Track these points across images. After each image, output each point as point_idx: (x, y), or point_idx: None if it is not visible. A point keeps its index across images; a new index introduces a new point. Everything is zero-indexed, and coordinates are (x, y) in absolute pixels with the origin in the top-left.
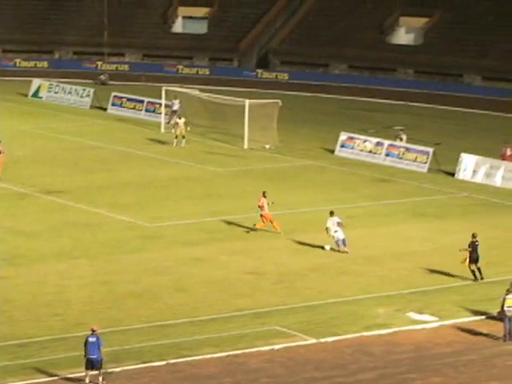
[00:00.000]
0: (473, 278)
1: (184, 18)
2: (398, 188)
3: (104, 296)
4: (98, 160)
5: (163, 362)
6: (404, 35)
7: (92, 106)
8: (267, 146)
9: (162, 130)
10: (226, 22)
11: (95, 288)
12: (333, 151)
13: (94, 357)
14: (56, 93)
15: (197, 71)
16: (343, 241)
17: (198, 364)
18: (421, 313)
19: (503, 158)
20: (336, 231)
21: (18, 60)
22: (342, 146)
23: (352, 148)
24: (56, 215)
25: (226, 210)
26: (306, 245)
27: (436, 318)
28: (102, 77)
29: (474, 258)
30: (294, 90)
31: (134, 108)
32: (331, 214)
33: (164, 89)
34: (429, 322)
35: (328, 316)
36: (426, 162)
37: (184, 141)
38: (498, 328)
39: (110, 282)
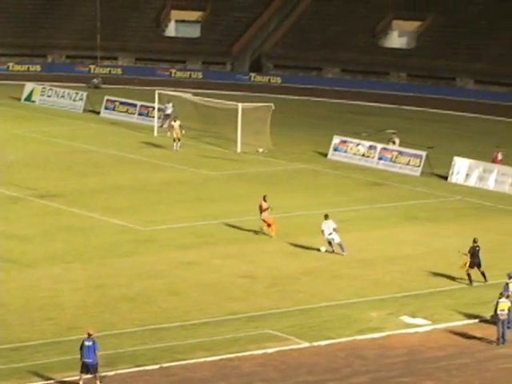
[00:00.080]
0: (468, 281)
1: (177, 21)
2: (391, 191)
3: (97, 300)
4: (91, 164)
5: (157, 366)
6: (397, 39)
7: (85, 110)
8: (260, 150)
9: (155, 134)
10: (218, 26)
11: (88, 292)
12: (326, 155)
13: (90, 361)
14: (49, 96)
15: (190, 75)
16: (340, 245)
17: (191, 368)
18: (414, 316)
19: (494, 162)
20: (330, 234)
21: (10, 64)
22: (335, 150)
23: (345, 151)
24: (49, 219)
25: (219, 214)
26: (299, 248)
27: (429, 322)
28: (95, 80)
29: (475, 263)
30: (287, 93)
31: (126, 112)
32: (326, 217)
33: (157, 92)
34: (422, 325)
35: (321, 320)
36: (419, 166)
37: (179, 144)
38: (491, 331)
39: (103, 285)
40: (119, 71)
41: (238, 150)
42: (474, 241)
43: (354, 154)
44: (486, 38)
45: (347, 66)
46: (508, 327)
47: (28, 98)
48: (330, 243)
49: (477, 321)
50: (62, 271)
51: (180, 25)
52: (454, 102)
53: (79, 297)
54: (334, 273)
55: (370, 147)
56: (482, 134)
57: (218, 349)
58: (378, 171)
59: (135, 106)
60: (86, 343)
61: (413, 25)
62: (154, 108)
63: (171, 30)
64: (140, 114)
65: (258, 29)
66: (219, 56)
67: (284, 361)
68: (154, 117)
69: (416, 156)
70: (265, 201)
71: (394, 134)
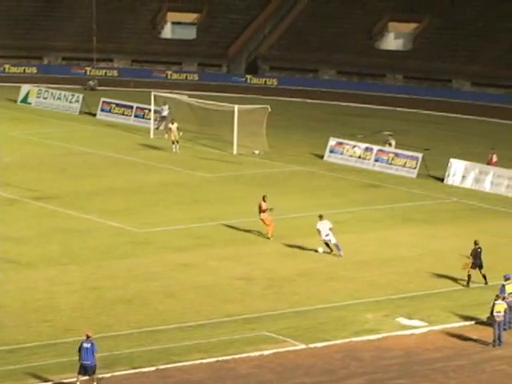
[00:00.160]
0: (466, 282)
1: (173, 23)
2: (387, 193)
3: (93, 302)
4: (88, 166)
5: (153, 368)
6: (393, 41)
7: (81, 112)
8: (256, 152)
9: (151, 136)
10: (214, 28)
11: (85, 294)
12: (322, 157)
13: (88, 362)
14: (45, 98)
15: (186, 77)
16: (337, 246)
17: (187, 370)
18: (410, 318)
19: (489, 164)
20: (327, 235)
21: (6, 66)
22: (331, 152)
23: (341, 153)
24: (45, 221)
25: (216, 216)
26: (295, 250)
27: (425, 324)
28: (91, 82)
29: (476, 265)
30: (283, 95)
31: (123, 114)
32: (320, 217)
33: (153, 94)
34: (418, 327)
35: (317, 321)
36: (415, 168)
37: (178, 146)
38: (487, 333)
39: (99, 287)
40: (115, 73)
41: (234, 151)
42: (475, 243)
43: (350, 155)
44: (482, 39)
45: (343, 68)
46: (504, 329)
47: (24, 100)
48: (327, 244)
49: (473, 323)
50: (59, 273)
51: (176, 27)
52: (450, 103)
53: (75, 299)
54: (330, 274)
55: (366, 149)
56: (479, 136)
57: (215, 351)
58: (374, 173)
59: (131, 107)
60: (85, 345)
61: (409, 27)
62: (150, 110)
63: (167, 32)
64: (136, 116)
65: (254, 31)
66: (215, 58)
67: (280, 363)
68: (150, 119)
69: (412, 158)
70: (264, 201)
71: (390, 135)
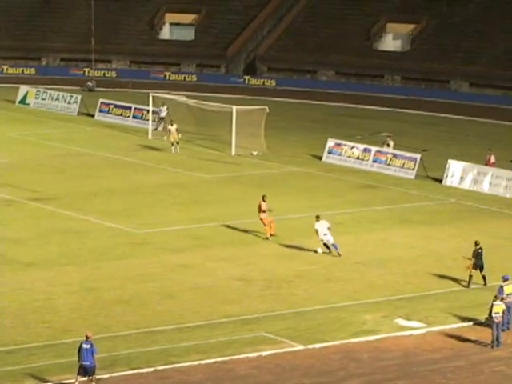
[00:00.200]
0: (467, 282)
1: (171, 24)
2: (385, 194)
3: (92, 303)
4: (86, 167)
5: (151, 369)
6: (391, 42)
7: (79, 113)
8: (254, 153)
9: (150, 137)
10: (213, 29)
11: (83, 295)
12: (320, 157)
13: (88, 363)
14: (43, 99)
15: (184, 78)
16: (334, 245)
17: (185, 371)
18: (408, 319)
19: (487, 164)
20: (325, 234)
21: (5, 67)
22: (330, 153)
23: (339, 154)
24: (43, 222)
25: (214, 217)
26: (293, 251)
27: (424, 325)
28: (90, 83)
29: (478, 265)
30: (281, 96)
31: (121, 114)
32: (317, 218)
33: (151, 95)
34: (416, 328)
35: (315, 322)
36: (413, 169)
37: (178, 147)
38: (485, 334)
39: (97, 288)
40: (113, 74)
41: (233, 152)
42: (476, 243)
43: (349, 156)
44: (480, 40)
45: (341, 69)
46: (502, 330)
47: (22, 101)
48: (325, 245)
49: (471, 323)
50: (57, 274)
51: (174, 28)
52: (448, 104)
53: (73, 300)
54: (328, 275)
55: (365, 150)
56: (477, 137)
57: (213, 351)
58: (372, 174)
59: (129, 108)
60: (84, 346)
61: (407, 28)
62: (148, 111)
63: (165, 33)
64: (134, 117)
65: (253, 32)
66: (213, 59)
67: (279, 363)
68: (148, 120)
69: (410, 159)
70: (264, 201)
71: (388, 136)
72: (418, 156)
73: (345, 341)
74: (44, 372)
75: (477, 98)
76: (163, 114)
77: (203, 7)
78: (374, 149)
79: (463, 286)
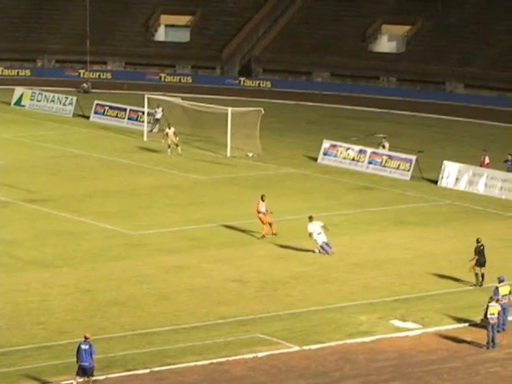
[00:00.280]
0: (476, 282)
1: (166, 26)
2: (380, 196)
3: (87, 304)
4: (81, 168)
5: (147, 370)
6: (386, 43)
7: (75, 114)
8: (250, 154)
9: (145, 139)
10: (208, 30)
11: (78, 296)
12: (316, 159)
13: (86, 364)
14: (39, 101)
15: (179, 79)
16: (327, 243)
17: (181, 372)
18: (404, 320)
19: (482, 165)
20: (319, 233)
21: (0, 68)
22: (325, 154)
23: (335, 156)
24: (39, 223)
25: (209, 218)
26: (288, 252)
27: (419, 326)
28: (85, 85)
29: (480, 262)
30: (276, 97)
31: (116, 116)
32: (310, 218)
33: (146, 97)
34: (412, 329)
35: (311, 324)
36: (408, 170)
37: (179, 148)
38: (481, 335)
39: (92, 290)
40: (109, 76)
41: (228, 154)
42: (478, 241)
43: (344, 158)
44: (475, 42)
45: (337, 71)
46: (498, 331)
47: (18, 103)
48: (322, 248)
49: (467, 325)
50: (52, 275)
51: (169, 29)
52: (443, 106)
53: (69, 301)
54: (324, 277)
55: (360, 151)
56: (472, 138)
57: (209, 353)
58: (367, 175)
59: (125, 110)
60: (83, 346)
61: (402, 29)
62: (143, 112)
63: (161, 35)
64: (130, 119)
65: (248, 33)
66: (209, 60)
67: (274, 365)
68: (143, 121)
69: (406, 160)
70: (263, 200)
71: (383, 138)
72: (414, 157)
73: (340, 342)
74: (39, 374)
75: (472, 100)
76: (158, 116)
77: (198, 9)
78: (369, 150)
79: (474, 285)
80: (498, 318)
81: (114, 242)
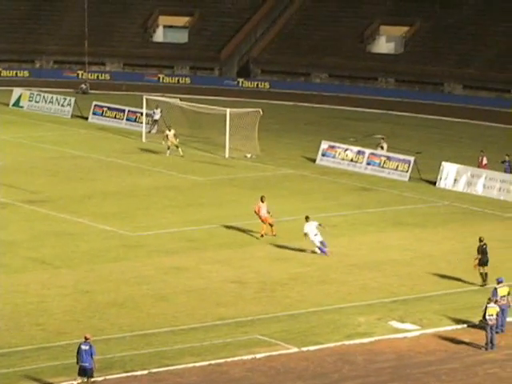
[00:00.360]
0: (482, 281)
1: (165, 27)
2: (379, 197)
3: (85, 305)
4: (80, 169)
5: (145, 371)
6: (384, 44)
7: (73, 115)
8: (248, 155)
9: (144, 139)
10: (206, 31)
11: (77, 297)
12: (314, 160)
13: (86, 364)
14: (37, 102)
15: (178, 80)
16: (322, 243)
17: (179, 373)
18: (402, 321)
19: (479, 166)
20: (316, 234)
21: None
22: (323, 155)
23: (333, 157)
24: (38, 224)
25: (208, 219)
26: (287, 253)
27: (418, 327)
28: (83, 86)
29: (483, 261)
30: (275, 98)
31: (115, 117)
32: (307, 219)
33: (145, 98)
34: (410, 330)
35: (309, 325)
36: (407, 171)
37: (180, 149)
38: (479, 336)
39: (91, 291)
40: (107, 77)
41: (226, 155)
42: (480, 239)
43: (342, 159)
44: (473, 43)
45: (335, 72)
46: (496, 332)
47: (16, 104)
48: (320, 249)
49: (465, 326)
50: (51, 276)
51: (168, 30)
52: (442, 107)
53: (67, 302)
54: (322, 278)
55: (359, 152)
56: (470, 139)
57: (207, 354)
58: (366, 176)
59: (123, 111)
60: (83, 347)
61: (400, 30)
62: (142, 113)
63: (159, 36)
64: (128, 120)
65: (246, 34)
66: (207, 61)
67: (273, 366)
68: (142, 122)
69: (404, 161)
70: (262, 201)
71: (382, 139)
72: (412, 158)
73: (339, 343)
74: (38, 374)
75: (470, 101)
76: (157, 117)
77: (196, 10)
78: (367, 151)
79: (480, 285)
80: (496, 319)
81: (112, 243)
